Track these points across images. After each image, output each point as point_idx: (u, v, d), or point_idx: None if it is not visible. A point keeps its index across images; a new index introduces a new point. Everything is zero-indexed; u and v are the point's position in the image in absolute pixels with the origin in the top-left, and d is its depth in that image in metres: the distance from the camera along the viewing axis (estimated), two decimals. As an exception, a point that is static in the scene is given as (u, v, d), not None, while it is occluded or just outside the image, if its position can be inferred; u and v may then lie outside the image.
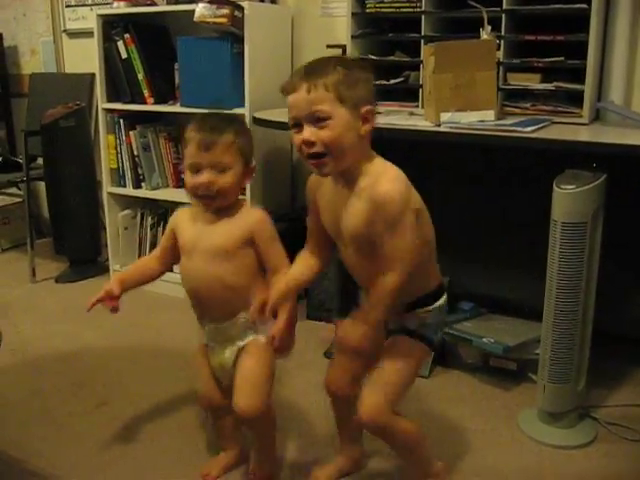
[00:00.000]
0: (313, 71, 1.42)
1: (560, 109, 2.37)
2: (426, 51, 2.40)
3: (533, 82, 2.41)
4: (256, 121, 2.66)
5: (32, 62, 4.21)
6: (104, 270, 3.59)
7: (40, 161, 3.66)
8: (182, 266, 1.78)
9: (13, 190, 3.93)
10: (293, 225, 3.02)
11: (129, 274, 1.85)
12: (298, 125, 1.44)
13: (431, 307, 1.61)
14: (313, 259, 1.69)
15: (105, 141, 3.41)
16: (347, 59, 1.53)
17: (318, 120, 1.40)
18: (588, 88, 2.28)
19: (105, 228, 3.51)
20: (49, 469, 1.97)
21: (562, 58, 2.33)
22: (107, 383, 2.47)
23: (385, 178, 1.44)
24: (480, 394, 2.38)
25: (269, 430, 1.84)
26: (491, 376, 2.47)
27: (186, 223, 1.77)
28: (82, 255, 3.62)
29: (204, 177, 1.63)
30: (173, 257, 1.82)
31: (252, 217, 1.72)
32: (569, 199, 1.92)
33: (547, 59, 2.35)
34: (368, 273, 1.52)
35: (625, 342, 2.54)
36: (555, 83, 2.37)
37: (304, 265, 1.69)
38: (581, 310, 1.99)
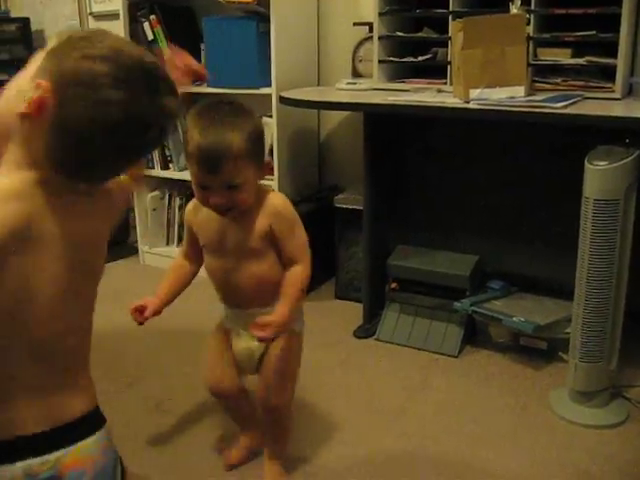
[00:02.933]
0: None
1: (592, 84, 2.32)
2: (454, 27, 2.36)
3: (564, 57, 2.36)
4: (283, 100, 2.65)
5: (59, 45, 4.22)
6: (133, 251, 3.62)
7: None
8: (208, 265, 1.69)
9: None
10: (320, 205, 3.03)
11: (167, 287, 1.72)
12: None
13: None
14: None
15: (133, 123, 3.42)
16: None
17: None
18: (621, 62, 2.22)
19: (133, 209, 3.53)
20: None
21: (594, 32, 2.27)
22: (137, 362, 2.50)
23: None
24: (510, 373, 2.36)
25: (290, 421, 1.82)
26: (521, 355, 2.45)
27: (202, 219, 1.66)
28: (111, 237, 3.63)
29: (216, 199, 1.51)
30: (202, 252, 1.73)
31: (269, 209, 1.59)
32: (601, 176, 1.89)
33: (578, 33, 2.30)
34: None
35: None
36: (587, 58, 2.32)
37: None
38: (613, 288, 1.97)
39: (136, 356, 2.55)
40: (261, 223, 1.58)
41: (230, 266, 1.63)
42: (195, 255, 1.72)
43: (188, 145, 1.48)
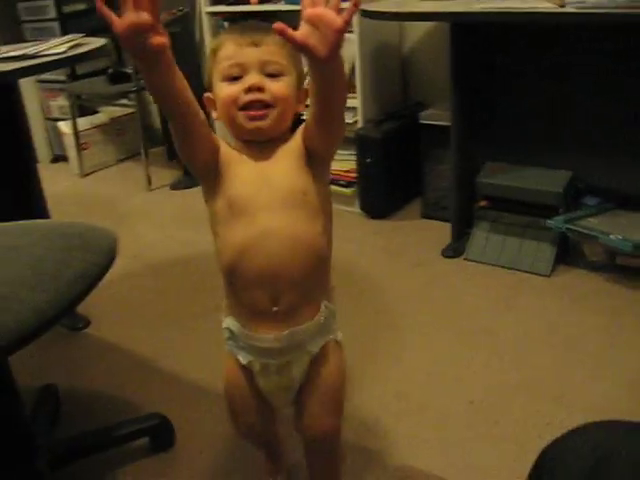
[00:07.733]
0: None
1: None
2: None
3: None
4: (365, 13, 2.54)
5: (135, -31, 4.18)
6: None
7: (149, 70, 3.67)
8: (228, 237, 1.26)
9: (124, 102, 3.99)
10: (405, 123, 2.94)
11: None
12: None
13: None
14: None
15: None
16: None
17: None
18: None
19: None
20: (177, 368, 2.05)
21: None
22: (222, 286, 2.52)
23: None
24: (605, 293, 2.28)
25: (340, 449, 1.43)
26: (617, 275, 2.35)
27: (237, 158, 1.22)
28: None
29: (252, 79, 1.15)
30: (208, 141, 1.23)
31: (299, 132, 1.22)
32: None
33: None
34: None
35: None
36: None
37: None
38: None
39: (220, 280, 2.57)
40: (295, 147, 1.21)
41: (264, 227, 1.19)
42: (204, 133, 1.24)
43: (216, 42, 1.21)
